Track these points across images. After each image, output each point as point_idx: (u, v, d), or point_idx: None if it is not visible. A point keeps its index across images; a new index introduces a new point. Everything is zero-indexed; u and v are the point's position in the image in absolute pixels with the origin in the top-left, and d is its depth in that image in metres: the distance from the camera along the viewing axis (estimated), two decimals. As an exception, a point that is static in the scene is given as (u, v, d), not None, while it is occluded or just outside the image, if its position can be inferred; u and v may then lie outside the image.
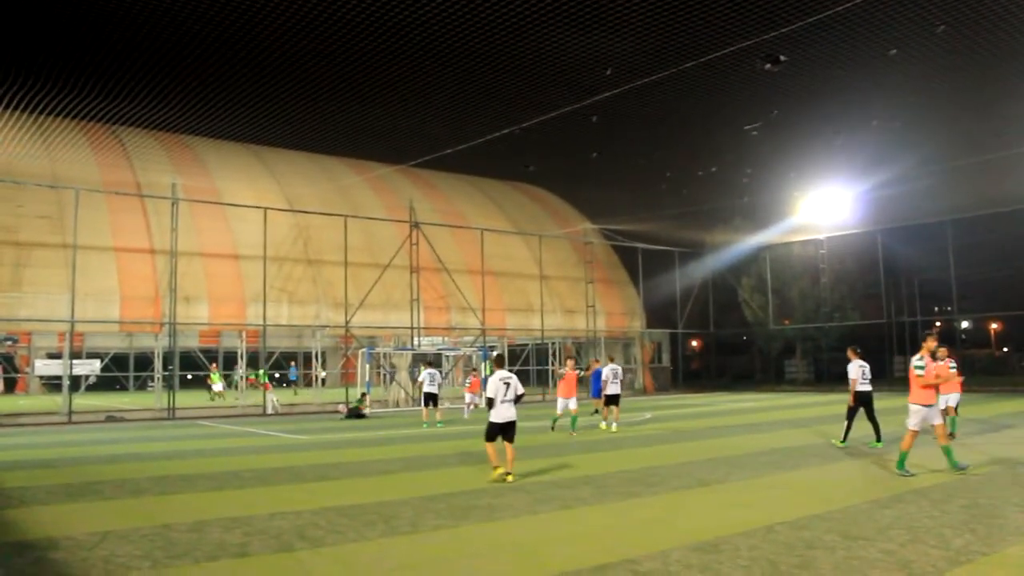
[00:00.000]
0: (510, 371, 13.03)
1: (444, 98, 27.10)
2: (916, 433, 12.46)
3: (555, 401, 22.08)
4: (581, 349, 45.21)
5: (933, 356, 12.90)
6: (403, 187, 40.52)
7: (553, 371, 40.12)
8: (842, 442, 16.50)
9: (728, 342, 51.77)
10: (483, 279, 38.47)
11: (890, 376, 42.52)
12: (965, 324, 48.06)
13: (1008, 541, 8.01)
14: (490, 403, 12.63)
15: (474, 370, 29.70)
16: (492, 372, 13.49)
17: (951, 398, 17.15)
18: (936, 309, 50.99)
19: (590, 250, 45.07)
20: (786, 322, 48.57)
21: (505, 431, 12.57)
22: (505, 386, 12.62)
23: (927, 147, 28.95)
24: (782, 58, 23.11)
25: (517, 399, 12.70)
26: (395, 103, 27.73)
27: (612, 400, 21.85)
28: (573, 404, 20.42)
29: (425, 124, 30.43)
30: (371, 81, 24.87)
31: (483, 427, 12.80)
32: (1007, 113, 26.48)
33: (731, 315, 50.72)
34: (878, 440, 16.26)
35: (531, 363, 48.62)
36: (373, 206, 38.80)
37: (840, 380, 40.71)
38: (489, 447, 12.69)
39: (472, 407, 28.15)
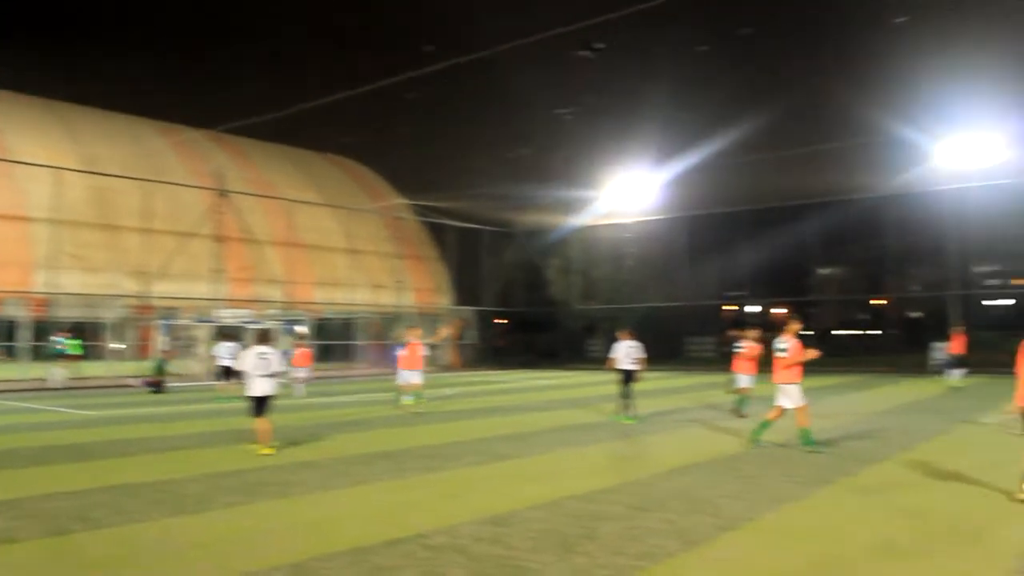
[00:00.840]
0: (315, 345, 12.90)
1: (258, 62, 26.29)
2: (781, 411, 12.99)
3: (369, 376, 21.78)
4: (389, 324, 45.05)
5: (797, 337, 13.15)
6: (212, 154, 38.95)
7: (392, 344, 39.24)
8: (627, 418, 17.26)
9: (534, 321, 52.90)
10: (292, 251, 37.65)
11: (685, 356, 44.84)
12: (757, 308, 51.10)
13: (770, 508, 8.64)
14: (241, 376, 12.71)
15: (300, 339, 27.95)
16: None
17: (744, 379, 18.12)
18: (732, 294, 53.94)
19: (401, 225, 44.94)
20: (591, 304, 50.22)
21: (262, 404, 12.65)
22: (264, 361, 12.68)
23: (731, 138, 30.50)
24: (598, 46, 23.75)
25: (275, 375, 12.80)
26: (206, 63, 26.65)
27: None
28: (417, 377, 19.88)
29: (237, 88, 29.38)
30: (181, 39, 23.80)
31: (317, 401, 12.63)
32: (804, 112, 28.26)
33: (538, 294, 51.93)
34: (628, 417, 17.14)
35: (351, 338, 48.02)
36: (179, 171, 37.09)
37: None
38: (257, 423, 12.76)
39: (304, 383, 25.90)
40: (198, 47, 25.46)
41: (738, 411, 18.06)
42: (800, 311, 48.37)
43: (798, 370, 12.80)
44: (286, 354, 26.09)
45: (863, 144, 30.05)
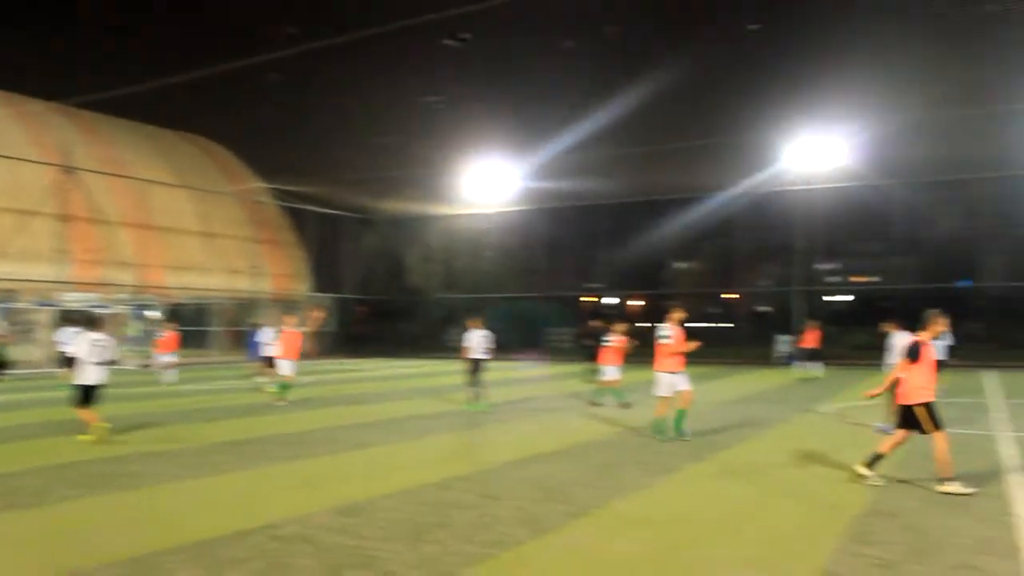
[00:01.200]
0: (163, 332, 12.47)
1: (115, 35, 25.16)
2: (668, 399, 13.01)
3: (224, 363, 21.12)
4: (245, 310, 43.91)
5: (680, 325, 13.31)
6: (60, 127, 36.92)
7: (252, 330, 37.67)
8: (479, 406, 17.46)
9: (395, 309, 52.60)
10: (144, 233, 36.21)
11: (544, 346, 45.43)
12: (615, 300, 52.26)
13: (620, 495, 8.91)
14: (74, 363, 12.26)
15: (166, 323, 26.14)
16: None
17: (611, 371, 18.36)
18: (590, 286, 54.95)
19: (260, 209, 43.86)
20: (451, 292, 50.30)
21: (92, 393, 12.28)
22: (98, 348, 12.28)
23: (592, 134, 31.00)
24: (464, 36, 23.76)
25: (108, 363, 12.44)
26: (56, 33, 25.31)
27: (272, 362, 21.72)
28: (290, 368, 19.04)
29: (89, 61, 27.98)
30: (32, 5, 22.55)
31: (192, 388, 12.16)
32: (663, 111, 29.00)
33: (398, 282, 51.66)
34: (476, 404, 17.43)
35: (209, 324, 46.50)
36: (21, 144, 34.98)
37: (497, 349, 43.09)
38: (84, 412, 12.32)
39: (172, 369, 24.69)
40: (48, 16, 24.11)
41: (596, 401, 18.44)
42: (656, 303, 49.92)
43: (681, 359, 12.99)
44: (147, 338, 24.71)
45: (718, 144, 31.16)
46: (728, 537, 7.29)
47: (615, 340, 18.38)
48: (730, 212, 42.15)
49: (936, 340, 20.52)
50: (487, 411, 17.13)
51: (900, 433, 9.41)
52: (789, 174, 35.18)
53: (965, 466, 10.48)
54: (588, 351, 26.41)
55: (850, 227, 44.67)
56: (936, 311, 9.60)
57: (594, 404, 18.16)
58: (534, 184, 38.86)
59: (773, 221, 42.45)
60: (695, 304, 51.51)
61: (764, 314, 48.75)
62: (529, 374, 30.70)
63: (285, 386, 18.94)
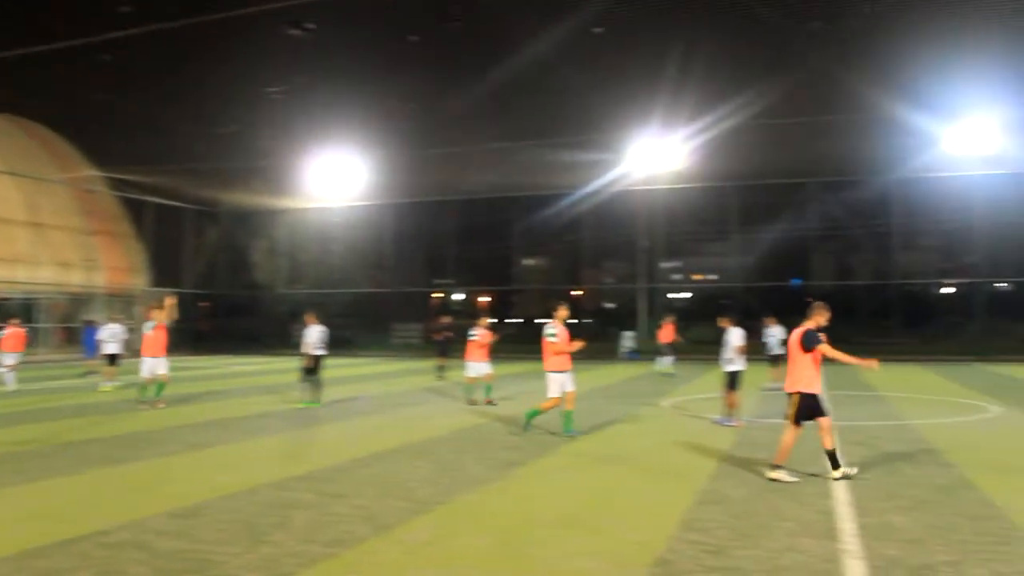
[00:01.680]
0: None
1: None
2: (558, 400, 12.86)
3: (54, 361, 19.92)
4: (77, 306, 41.72)
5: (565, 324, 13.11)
6: None
7: (88, 327, 35.13)
8: (315, 403, 17.27)
9: (238, 304, 51.12)
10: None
11: (392, 343, 45.20)
12: (462, 296, 52.43)
13: (463, 491, 8.94)
14: None
15: (12, 320, 23.42)
16: None
17: (477, 367, 18.07)
18: (438, 281, 54.96)
19: (94, 199, 41.73)
20: (296, 287, 49.29)
21: None
22: None
23: (441, 129, 30.96)
24: (309, 26, 23.28)
25: None
26: None
27: (113, 359, 20.88)
28: (162, 367, 17.32)
29: None
30: None
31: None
32: (508, 108, 29.24)
33: (242, 277, 50.24)
34: (312, 401, 17.30)
35: (38, 321, 43.83)
36: None
37: (344, 345, 42.49)
38: None
39: (13, 371, 22.24)
40: None
41: (472, 399, 18.15)
42: (503, 300, 50.45)
43: (567, 357, 12.79)
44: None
45: (565, 143, 31.70)
46: (569, 529, 7.42)
47: (480, 335, 18.12)
48: (577, 210, 43.01)
49: (772, 334, 21.44)
50: (322, 407, 16.97)
51: (824, 422, 9.55)
52: (634, 174, 36.07)
53: (795, 453, 11.06)
54: (438, 347, 26.46)
55: (691, 227, 46.41)
56: (820, 303, 9.79)
57: (471, 402, 17.93)
58: (382, 178, 38.41)
59: (619, 220, 43.56)
60: (543, 300, 52.36)
61: (610, 311, 49.98)
62: (376, 370, 30.45)
63: (162, 386, 17.48)
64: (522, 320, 49.17)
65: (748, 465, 10.35)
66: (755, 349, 29.01)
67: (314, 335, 17.29)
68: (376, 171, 37.00)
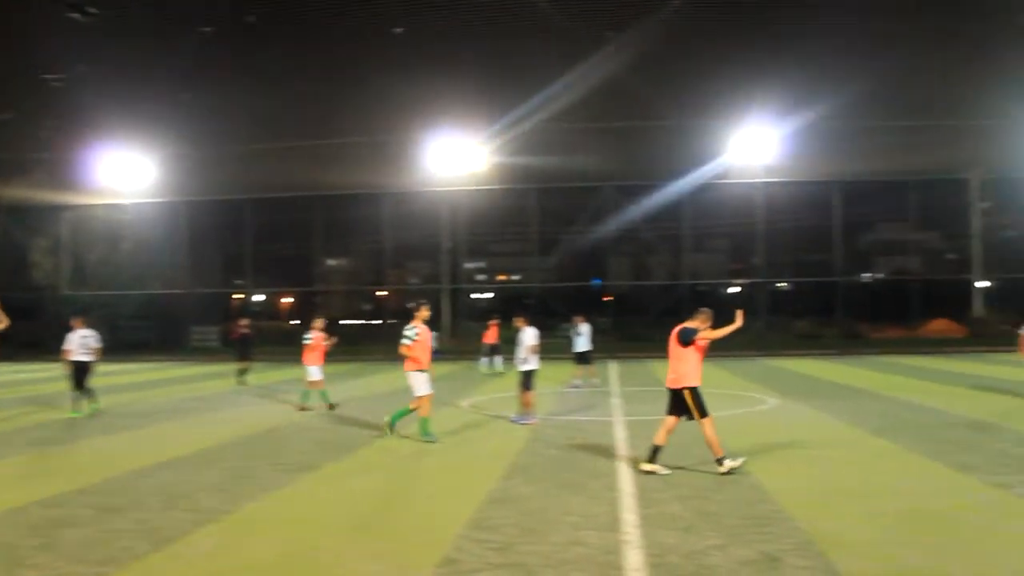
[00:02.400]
0: None
1: None
2: (431, 395, 12.61)
3: None
4: None
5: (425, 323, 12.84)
6: None
7: None
8: (83, 412, 16.38)
9: (16, 307, 47.50)
10: None
11: (187, 345, 43.38)
12: (260, 297, 51.03)
13: (252, 498, 8.68)
14: None
15: None
16: None
17: (313, 371, 17.14)
18: (238, 282, 53.25)
19: None
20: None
21: None
22: None
23: (235, 125, 29.92)
24: (91, 10, 21.96)
25: None
26: None
27: None
28: None
29: None
30: None
31: None
32: (310, 107, 28.63)
33: (20, 277, 46.72)
34: (77, 411, 16.44)
35: None
36: None
37: (138, 349, 40.40)
38: None
39: None
40: None
41: (304, 405, 17.22)
42: (307, 301, 49.45)
43: (426, 358, 12.54)
44: None
45: (364, 143, 31.39)
46: (358, 533, 7.34)
47: (314, 337, 17.23)
48: (380, 210, 42.80)
49: (580, 332, 21.94)
50: (83, 415, 16.10)
51: (671, 420, 9.85)
52: (437, 175, 36.15)
53: (584, 449, 11.42)
54: (238, 349, 25.50)
55: (494, 228, 47.15)
56: (706, 309, 10.21)
57: (303, 408, 17.15)
58: (176, 175, 36.70)
59: (422, 220, 43.66)
60: (348, 301, 51.80)
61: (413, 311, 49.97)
62: (170, 375, 29.13)
63: None
64: (327, 321, 48.41)
65: (540, 463, 10.59)
66: (557, 348, 29.86)
67: (75, 340, 16.25)
68: (170, 167, 35.30)
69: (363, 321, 53.31)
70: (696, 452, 11.16)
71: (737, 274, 47.24)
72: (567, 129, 29.21)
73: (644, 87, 24.81)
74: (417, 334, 12.45)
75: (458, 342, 39.85)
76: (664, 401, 10.03)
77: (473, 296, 51.65)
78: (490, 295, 51.23)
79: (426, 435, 12.47)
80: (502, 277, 56.88)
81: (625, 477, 9.55)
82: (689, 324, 10.02)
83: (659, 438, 9.89)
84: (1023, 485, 8.81)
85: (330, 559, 6.56)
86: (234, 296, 49.30)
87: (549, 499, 8.49)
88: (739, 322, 10.06)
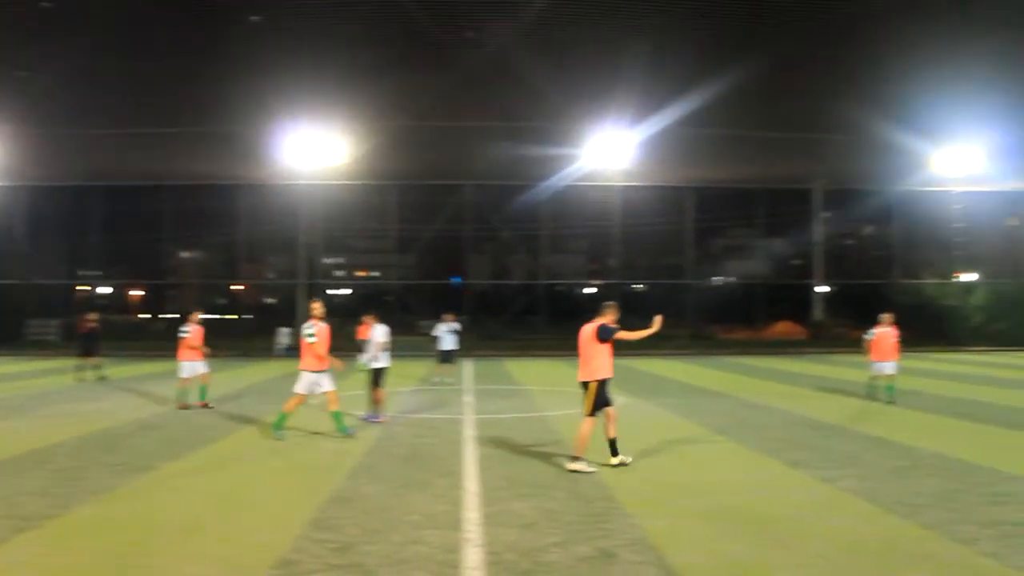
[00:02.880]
0: None
1: None
2: (304, 397, 12.39)
3: None
4: None
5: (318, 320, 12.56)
6: None
7: None
8: None
9: None
10: None
11: (26, 340, 41.09)
12: (108, 289, 48.81)
13: (82, 501, 8.27)
14: None
15: None
16: None
17: (188, 367, 16.48)
18: (83, 273, 50.78)
19: None
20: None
21: None
22: None
23: (77, 110, 28.46)
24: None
25: None
26: None
27: None
28: None
29: None
30: None
31: None
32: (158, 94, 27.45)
33: None
34: None
35: None
36: None
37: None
38: None
39: None
40: None
41: (183, 403, 16.46)
42: (158, 294, 47.65)
43: (324, 357, 12.34)
44: None
45: (220, 133, 30.44)
46: (191, 535, 7.10)
47: (192, 331, 16.46)
48: (236, 202, 41.66)
49: (445, 330, 21.83)
50: None
51: (609, 411, 10.09)
52: (296, 169, 35.38)
53: (432, 448, 11.42)
54: (81, 344, 24.31)
55: (354, 223, 46.58)
56: (612, 303, 10.49)
57: (183, 407, 16.39)
58: (12, 158, 34.56)
59: (280, 214, 42.67)
60: (202, 295, 50.18)
61: (270, 306, 48.92)
62: (14, 369, 27.55)
63: None
64: (178, 315, 46.75)
65: (387, 462, 10.52)
66: (417, 346, 29.75)
67: None
68: (7, 150, 33.28)
69: (217, 316, 51.78)
70: (548, 451, 11.34)
71: (594, 275, 48.20)
72: (427, 127, 29.14)
73: (505, 88, 24.99)
74: (316, 332, 12.34)
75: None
76: (511, 399, 10.10)
77: (330, 292, 50.88)
78: (347, 292, 50.56)
79: (278, 430, 12.45)
80: (361, 273, 56.30)
81: (471, 475, 9.59)
82: (602, 321, 10.27)
83: (609, 432, 10.15)
84: (847, 479, 9.30)
85: (160, 563, 6.34)
86: (78, 288, 46.99)
87: (393, 498, 8.44)
88: (656, 327, 10.27)
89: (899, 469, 9.96)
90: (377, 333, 14.37)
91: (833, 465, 10.21)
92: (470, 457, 10.81)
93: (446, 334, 21.73)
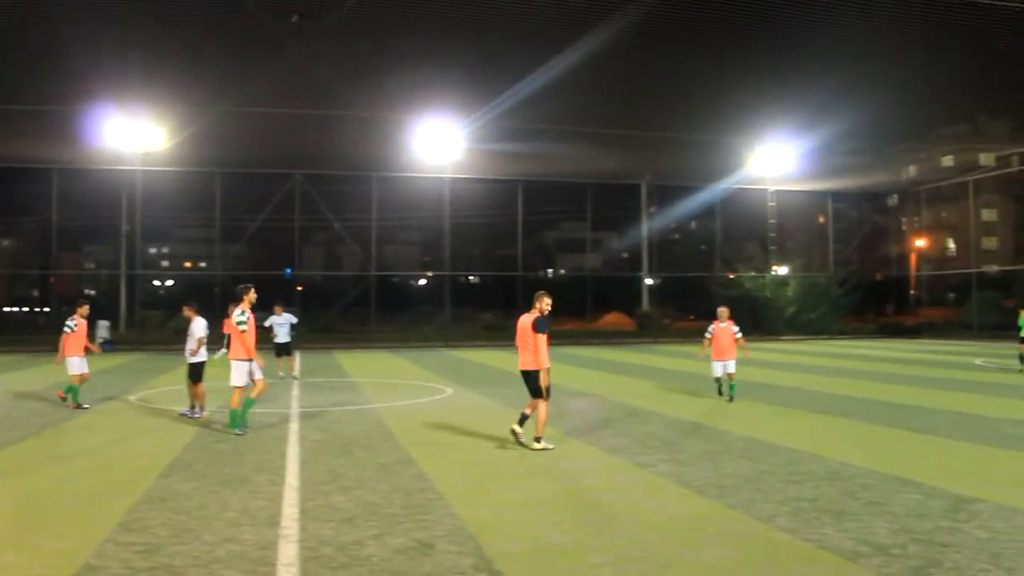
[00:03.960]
0: None
1: None
2: (242, 389, 11.99)
3: None
4: None
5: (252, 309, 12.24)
6: None
7: None
8: None
9: None
10: None
11: None
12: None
13: None
14: None
15: None
16: None
17: (76, 363, 15.16)
18: None
19: None
20: None
21: None
22: None
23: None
24: None
25: None
26: None
27: None
28: None
29: None
30: None
31: None
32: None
33: None
34: None
35: None
36: None
37: None
38: None
39: None
40: None
41: (73, 401, 15.15)
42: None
43: (252, 346, 11.97)
44: None
45: (32, 112, 28.58)
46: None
47: (78, 324, 15.20)
48: (49, 186, 39.19)
49: (280, 322, 21.25)
50: None
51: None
52: (115, 152, 33.64)
53: (254, 443, 11.14)
54: None
55: (179, 212, 44.83)
56: (543, 291, 11.27)
57: (79, 407, 15.08)
58: None
59: (99, 200, 40.56)
60: (7, 286, 47.16)
61: (90, 298, 46.53)
62: None
63: None
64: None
65: (205, 458, 10.19)
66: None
67: None
68: None
69: (29, 308, 48.95)
70: (372, 443, 11.28)
71: (427, 267, 48.28)
72: (253, 113, 28.29)
73: (334, 78, 24.59)
74: (247, 320, 12.05)
75: (137, 332, 37.44)
76: (340, 392, 9.99)
77: (156, 283, 48.92)
78: (170, 283, 48.70)
79: (237, 425, 11.97)
80: (187, 264, 54.41)
81: (292, 470, 9.41)
82: (537, 313, 10.92)
83: (527, 411, 10.89)
84: (663, 464, 9.69)
85: (-54, 575, 5.91)
86: None
87: (209, 496, 8.18)
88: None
89: (711, 453, 10.44)
90: (196, 326, 13.84)
91: (650, 451, 10.60)
92: (293, 451, 10.61)
93: (280, 326, 21.16)
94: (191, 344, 13.76)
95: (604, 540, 6.67)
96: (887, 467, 9.41)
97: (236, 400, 12.07)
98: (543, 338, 10.68)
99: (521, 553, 6.37)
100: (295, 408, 15.25)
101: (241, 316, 12.05)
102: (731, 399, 15.86)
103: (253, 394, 12.34)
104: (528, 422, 10.87)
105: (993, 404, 15.44)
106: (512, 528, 7.06)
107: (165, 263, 53.58)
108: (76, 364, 15.15)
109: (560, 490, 8.46)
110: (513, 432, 10.83)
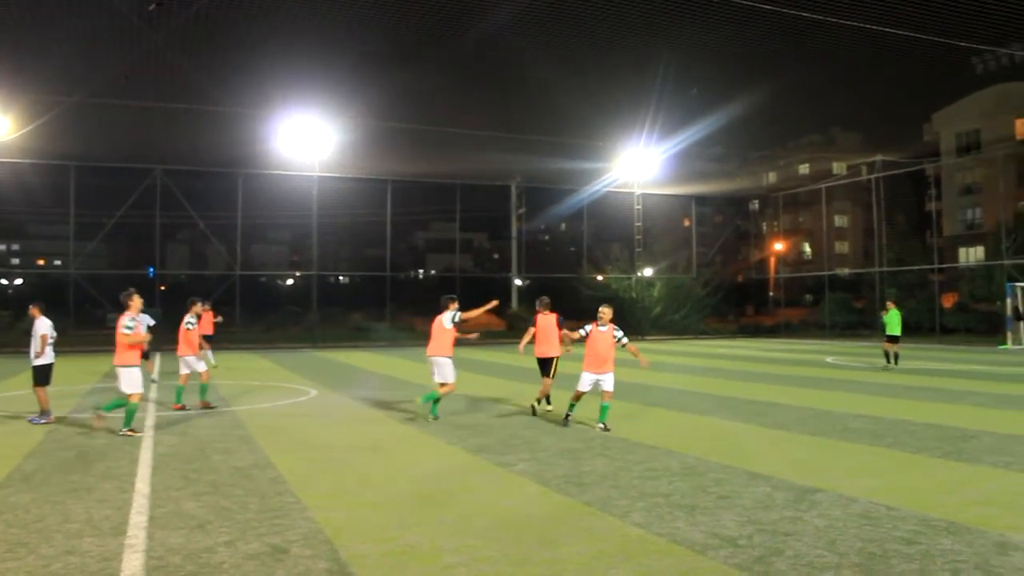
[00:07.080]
0: None
1: None
2: (142, 393, 12.17)
3: None
4: None
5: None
6: None
7: None
8: None
9: None
10: None
11: None
12: None
13: None
14: None
15: None
16: None
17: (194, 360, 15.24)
18: None
19: None
20: None
21: None
22: None
23: None
24: None
25: None
26: None
27: None
28: None
29: None
30: None
31: None
32: None
33: None
34: None
35: None
36: None
37: None
38: None
39: None
40: None
41: (207, 402, 15.05)
42: None
43: (139, 351, 12.01)
44: None
45: None
46: None
47: (197, 322, 15.53)
48: None
49: (145, 321, 20.48)
50: None
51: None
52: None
53: (103, 449, 10.67)
54: None
55: (32, 208, 42.66)
56: (451, 295, 13.61)
57: (207, 406, 14.75)
58: None
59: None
60: None
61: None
62: None
63: None
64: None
65: (49, 466, 9.68)
66: (102, 341, 27.67)
67: None
68: None
69: None
70: (230, 446, 10.99)
71: (296, 266, 47.41)
72: (108, 105, 27.14)
73: (195, 70, 23.87)
74: (133, 326, 11.94)
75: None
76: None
77: (4, 281, 46.40)
78: (19, 281, 46.25)
79: (128, 424, 11.91)
80: (41, 262, 51.83)
81: (143, 476, 9.05)
82: (448, 312, 13.32)
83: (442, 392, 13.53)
84: (523, 463, 9.75)
85: None
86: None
87: (50, 506, 7.77)
88: (489, 305, 14.28)
89: (571, 451, 10.58)
90: (40, 326, 13.14)
91: (512, 450, 10.66)
92: (145, 457, 10.21)
93: (144, 325, 20.29)
94: (35, 346, 13.07)
95: (460, 539, 6.67)
96: (739, 461, 9.75)
97: (135, 401, 12.03)
98: (452, 332, 13.38)
99: (376, 555, 6.30)
100: (150, 411, 14.69)
101: (130, 323, 11.95)
102: (605, 427, 12.23)
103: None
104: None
105: (841, 400, 16.21)
106: (369, 530, 6.97)
107: (15, 260, 50.81)
108: (194, 362, 15.42)
109: (419, 491, 8.40)
110: (533, 408, 14.04)
